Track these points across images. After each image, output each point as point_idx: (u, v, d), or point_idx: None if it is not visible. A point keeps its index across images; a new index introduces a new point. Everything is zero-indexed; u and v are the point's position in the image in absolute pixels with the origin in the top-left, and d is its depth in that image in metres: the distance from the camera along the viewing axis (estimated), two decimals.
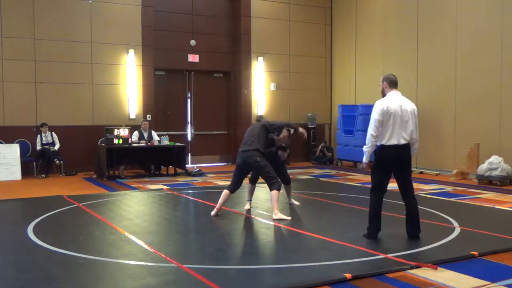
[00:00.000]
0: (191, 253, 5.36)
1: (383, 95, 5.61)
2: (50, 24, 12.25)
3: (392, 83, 5.56)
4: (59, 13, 12.36)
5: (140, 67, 13.24)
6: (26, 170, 11.69)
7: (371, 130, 5.43)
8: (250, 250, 5.40)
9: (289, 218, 6.72)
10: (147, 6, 13.26)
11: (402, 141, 5.43)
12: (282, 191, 7.09)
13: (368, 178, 11.49)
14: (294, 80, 15.31)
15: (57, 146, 11.93)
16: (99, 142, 12.18)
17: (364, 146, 5.53)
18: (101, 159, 11.42)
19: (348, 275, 4.34)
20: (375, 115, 5.42)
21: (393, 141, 5.42)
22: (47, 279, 4.40)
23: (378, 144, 5.46)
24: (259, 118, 7.13)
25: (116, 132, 11.38)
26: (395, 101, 5.48)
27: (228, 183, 7.18)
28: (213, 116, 14.68)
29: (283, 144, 7.41)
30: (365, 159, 5.58)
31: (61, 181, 11.23)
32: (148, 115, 13.26)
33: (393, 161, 5.50)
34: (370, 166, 5.66)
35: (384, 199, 5.66)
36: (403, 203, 5.74)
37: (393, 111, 5.40)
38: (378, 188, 5.61)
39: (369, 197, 5.69)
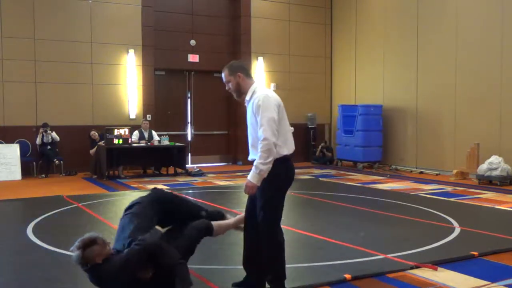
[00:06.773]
0: None
1: (241, 91, 3.96)
2: (50, 24, 12.23)
3: (249, 73, 4.03)
4: (59, 13, 12.35)
5: (140, 67, 13.23)
6: (26, 170, 11.68)
7: (272, 137, 3.68)
8: None
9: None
10: (147, 6, 13.25)
11: None
12: None
13: (368, 178, 11.61)
14: (294, 80, 15.30)
15: (57, 139, 11.88)
16: (88, 136, 12.16)
17: (260, 161, 3.67)
18: (101, 159, 11.41)
19: (348, 276, 4.34)
20: (272, 114, 3.73)
21: (292, 147, 3.94)
22: (47, 279, 4.40)
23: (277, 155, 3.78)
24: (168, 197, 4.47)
25: (116, 132, 11.38)
26: (274, 93, 3.96)
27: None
28: (213, 116, 14.67)
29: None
30: (258, 180, 3.71)
31: (61, 181, 11.22)
32: (148, 115, 13.24)
33: (293, 176, 4.03)
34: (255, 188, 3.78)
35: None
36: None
37: (282, 106, 3.91)
38: (280, 220, 3.93)
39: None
